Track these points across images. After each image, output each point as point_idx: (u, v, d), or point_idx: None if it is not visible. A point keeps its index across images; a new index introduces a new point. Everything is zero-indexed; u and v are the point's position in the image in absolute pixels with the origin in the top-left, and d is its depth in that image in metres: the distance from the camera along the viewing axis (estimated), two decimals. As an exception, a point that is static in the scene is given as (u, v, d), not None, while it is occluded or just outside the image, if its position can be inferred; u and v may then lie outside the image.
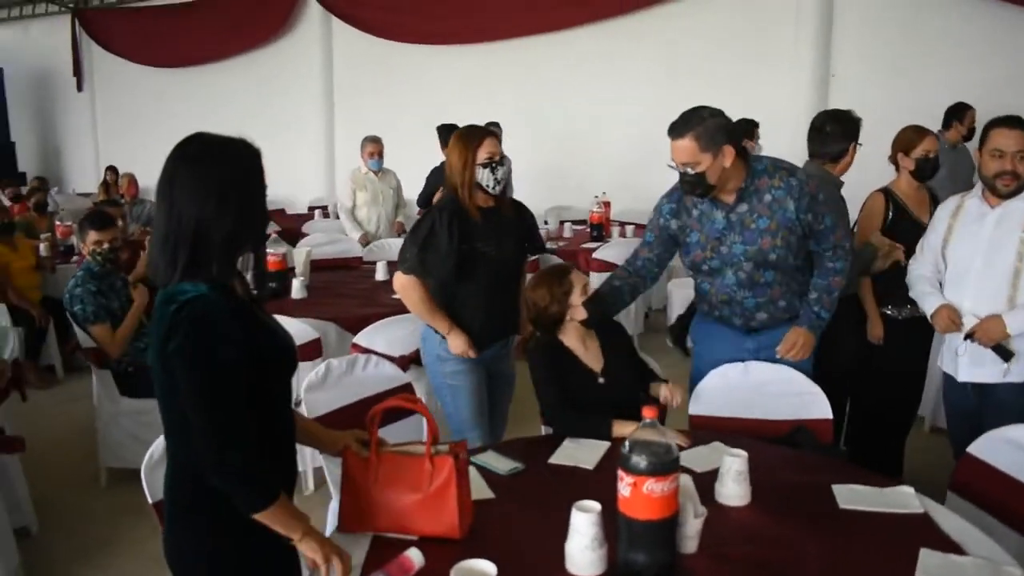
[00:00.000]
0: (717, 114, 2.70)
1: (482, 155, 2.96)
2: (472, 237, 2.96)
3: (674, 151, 2.72)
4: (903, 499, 2.11)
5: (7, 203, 8.44)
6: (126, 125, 11.99)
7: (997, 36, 6.53)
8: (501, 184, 3.02)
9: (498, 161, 2.99)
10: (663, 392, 2.70)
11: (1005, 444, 2.33)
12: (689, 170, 2.71)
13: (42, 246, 6.41)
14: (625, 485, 1.67)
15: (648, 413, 1.69)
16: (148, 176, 5.53)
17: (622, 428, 2.47)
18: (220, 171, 1.63)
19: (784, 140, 7.29)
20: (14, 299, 5.39)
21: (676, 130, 2.71)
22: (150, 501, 2.00)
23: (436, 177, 5.68)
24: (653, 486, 1.64)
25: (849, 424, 3.74)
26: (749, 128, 6.04)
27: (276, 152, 8.18)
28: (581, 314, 2.69)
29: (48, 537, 3.60)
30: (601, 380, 2.71)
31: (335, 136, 10.45)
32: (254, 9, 10.68)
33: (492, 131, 3.08)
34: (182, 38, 11.45)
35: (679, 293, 6.19)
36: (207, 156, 1.65)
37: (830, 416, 2.70)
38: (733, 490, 2.08)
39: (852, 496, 2.12)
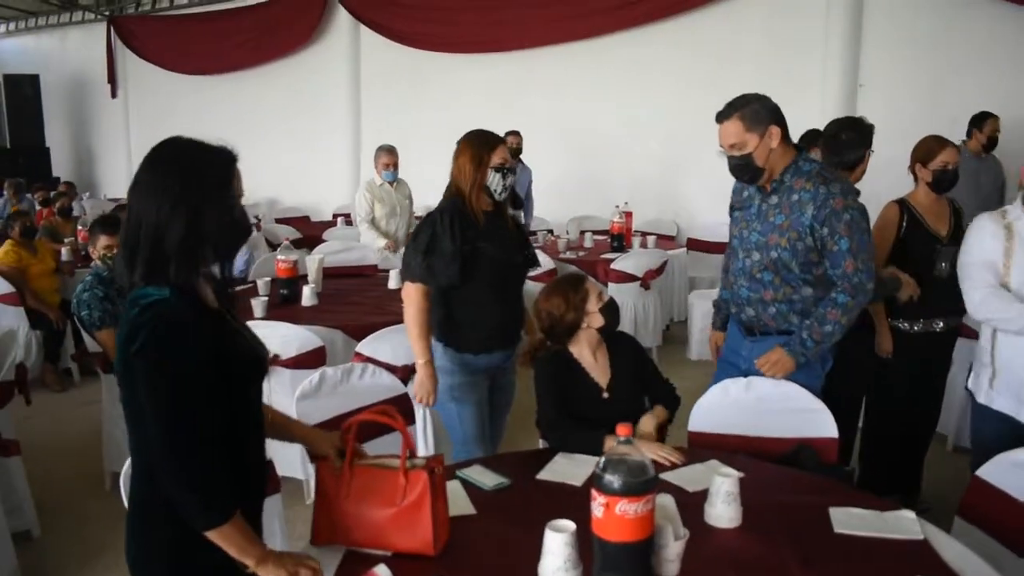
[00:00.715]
0: (763, 98, 2.75)
1: (496, 159, 2.95)
2: (475, 238, 2.92)
3: (721, 135, 2.76)
4: (903, 524, 2.01)
5: (37, 207, 8.58)
6: (158, 131, 11.77)
7: (1031, 45, 6.36)
8: (507, 192, 3.01)
9: (509, 168, 2.98)
10: (645, 420, 2.62)
11: (1015, 468, 2.23)
12: (736, 152, 2.73)
13: (64, 250, 6.47)
14: (598, 505, 1.61)
15: (622, 431, 1.62)
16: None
17: (613, 443, 2.40)
18: (177, 175, 1.60)
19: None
20: (32, 302, 5.45)
21: (722, 114, 2.75)
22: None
23: None
24: (626, 507, 1.57)
25: (863, 443, 3.63)
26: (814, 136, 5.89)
27: (303, 160, 8.35)
28: (598, 321, 2.65)
29: (49, 541, 3.60)
30: (606, 395, 2.66)
31: (362, 144, 10.47)
32: (284, 18, 10.76)
33: (504, 139, 3.08)
34: (213, 46, 11.58)
35: (700, 305, 6.11)
36: (167, 160, 1.63)
37: (835, 435, 2.60)
38: (722, 511, 2.00)
39: (849, 520, 2.02)
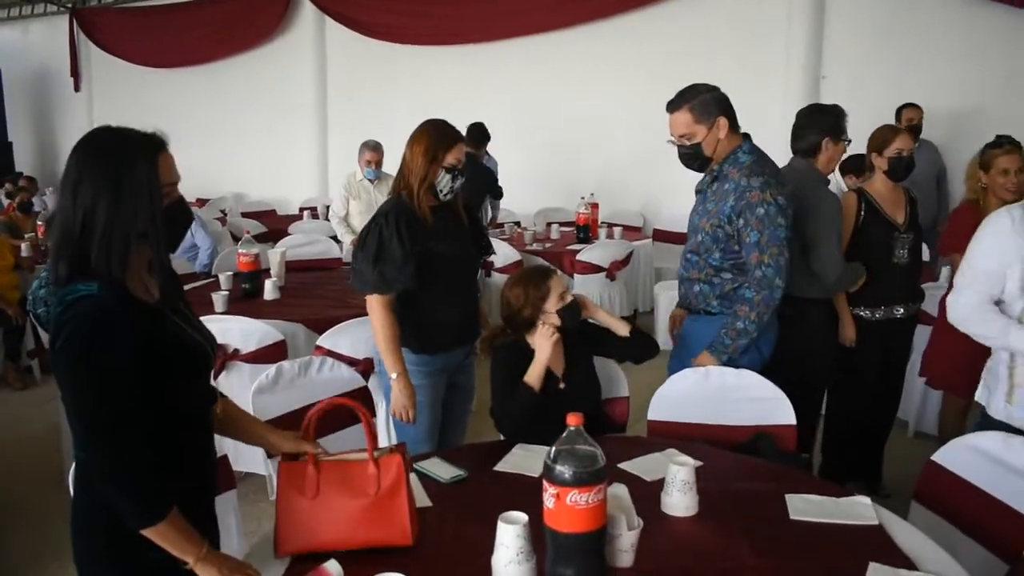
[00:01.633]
0: (712, 89, 2.85)
1: (450, 159, 2.80)
2: (424, 238, 2.78)
3: (671, 124, 2.87)
4: (857, 510, 2.02)
5: (4, 202, 8.42)
6: (123, 125, 11.95)
7: (990, 37, 6.44)
8: (452, 195, 2.87)
9: (460, 171, 2.85)
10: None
11: (969, 452, 2.24)
12: (686, 142, 2.84)
13: (23, 246, 6.36)
14: (549, 496, 1.59)
15: (572, 420, 1.61)
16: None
17: (532, 370, 2.52)
18: (94, 164, 1.56)
19: (775, 141, 7.11)
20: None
21: (672, 104, 2.86)
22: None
23: None
24: (577, 497, 1.56)
25: (825, 431, 3.65)
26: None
27: (270, 154, 8.27)
28: (554, 321, 2.61)
29: (8, 538, 3.54)
30: (562, 386, 2.64)
31: (328, 137, 10.39)
32: (249, 10, 10.62)
33: (462, 137, 2.93)
34: (178, 39, 11.39)
35: (666, 295, 6.11)
36: (85, 151, 1.58)
37: (793, 422, 2.61)
38: (679, 500, 1.99)
39: (804, 506, 2.03)
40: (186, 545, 1.60)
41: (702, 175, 3.00)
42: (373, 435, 1.84)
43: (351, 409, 2.82)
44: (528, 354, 2.62)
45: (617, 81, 8.00)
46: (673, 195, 7.68)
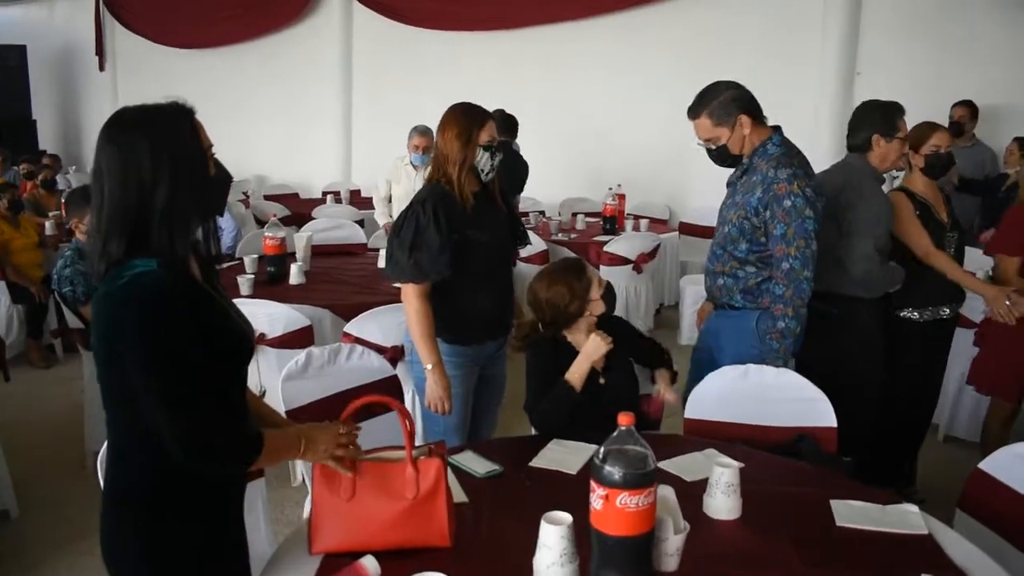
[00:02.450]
0: (732, 86, 2.84)
1: (484, 137, 2.75)
2: (463, 225, 2.72)
3: (695, 129, 2.90)
4: (906, 518, 1.96)
5: (22, 179, 8.43)
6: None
7: (1029, 33, 6.29)
8: (494, 172, 2.83)
9: (496, 147, 2.81)
10: (660, 386, 2.69)
11: (1017, 460, 2.18)
12: (711, 145, 2.88)
13: (48, 224, 6.35)
14: (597, 497, 1.54)
15: (624, 420, 1.55)
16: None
17: (575, 369, 2.48)
18: (142, 139, 1.50)
19: (806, 138, 7.06)
20: (13, 276, 5.34)
21: (692, 110, 2.88)
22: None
23: None
24: (627, 500, 1.51)
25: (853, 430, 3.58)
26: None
27: (293, 136, 8.23)
28: (600, 308, 2.60)
29: (28, 520, 3.52)
30: (601, 380, 2.58)
31: (352, 121, 10.34)
32: (276, -8, 10.60)
33: (492, 114, 2.89)
34: (204, 19, 11.37)
35: (691, 289, 6.05)
36: (127, 127, 1.53)
37: (834, 424, 2.54)
38: (722, 503, 1.94)
39: (851, 513, 1.97)
40: (288, 452, 1.68)
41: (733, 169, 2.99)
42: (411, 435, 1.78)
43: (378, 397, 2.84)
44: (565, 350, 2.58)
45: (646, 72, 7.89)
46: (700, 188, 7.62)
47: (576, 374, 2.46)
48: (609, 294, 2.62)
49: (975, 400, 4.28)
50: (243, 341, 1.68)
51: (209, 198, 1.62)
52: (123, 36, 12.68)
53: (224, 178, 1.66)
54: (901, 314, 3.33)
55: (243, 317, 1.72)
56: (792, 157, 2.80)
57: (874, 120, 3.23)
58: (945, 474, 3.81)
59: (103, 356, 1.53)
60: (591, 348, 2.47)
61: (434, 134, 2.93)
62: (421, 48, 9.49)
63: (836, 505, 2.00)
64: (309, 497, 1.87)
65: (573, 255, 5.95)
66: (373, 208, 7.93)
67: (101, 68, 13.05)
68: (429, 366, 2.76)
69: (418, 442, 3.49)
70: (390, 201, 6.05)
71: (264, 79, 10.94)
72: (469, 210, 2.75)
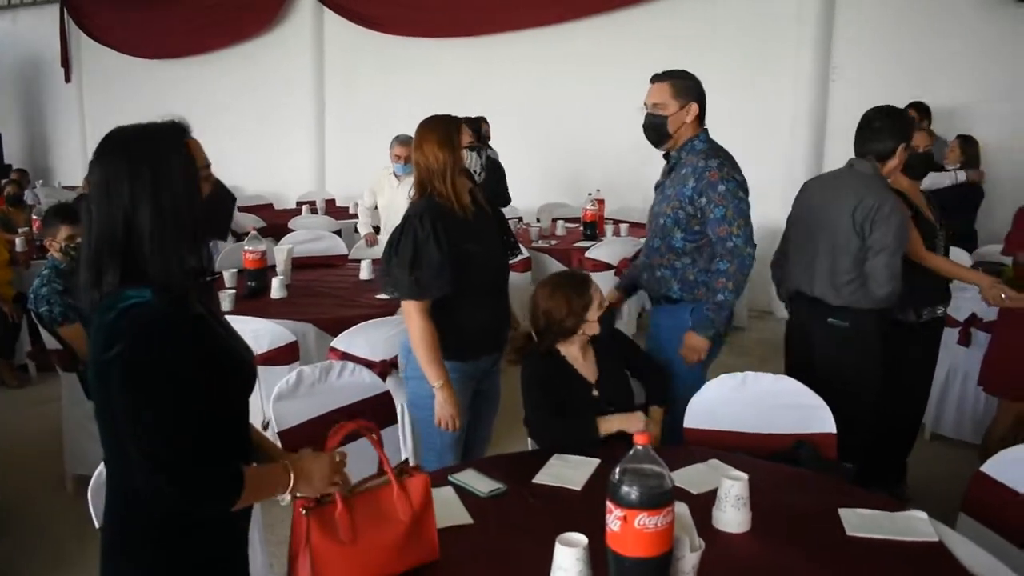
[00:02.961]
0: (697, 80, 3.01)
1: (465, 139, 2.71)
2: (461, 238, 2.64)
3: (649, 92, 3.00)
4: (915, 525, 1.95)
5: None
6: (114, 117, 11.34)
7: (1003, 35, 6.36)
8: (484, 171, 2.80)
9: (476, 147, 2.76)
10: (648, 423, 2.50)
11: (1017, 463, 2.18)
12: (657, 111, 2.97)
13: (18, 240, 6.21)
14: (614, 519, 1.50)
15: (641, 439, 1.52)
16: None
17: (608, 424, 2.42)
18: (132, 162, 1.45)
19: (783, 139, 7.15)
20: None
21: (658, 76, 3.01)
22: (97, 525, 1.83)
23: None
24: (646, 520, 1.47)
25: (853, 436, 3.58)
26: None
27: (267, 147, 8.07)
28: (594, 330, 2.57)
29: (9, 543, 3.42)
30: (595, 392, 2.58)
31: (326, 130, 10.25)
32: (246, 0, 10.48)
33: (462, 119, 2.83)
34: (172, 29, 11.22)
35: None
36: (117, 150, 1.47)
37: (834, 430, 2.53)
38: (732, 516, 1.91)
39: (860, 522, 1.95)
40: (273, 488, 1.58)
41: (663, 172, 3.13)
42: (386, 456, 1.73)
43: (370, 415, 2.78)
44: (558, 363, 2.58)
45: (622, 76, 7.85)
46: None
47: (605, 428, 2.42)
48: (607, 317, 2.61)
49: (959, 398, 4.32)
50: (242, 367, 1.62)
51: (201, 221, 1.54)
52: (89, 46, 12.49)
53: (223, 199, 1.61)
54: (899, 316, 3.32)
55: (243, 343, 1.67)
56: (718, 151, 2.98)
57: (903, 129, 3.14)
58: (934, 472, 3.84)
59: (99, 389, 1.47)
60: (627, 423, 2.43)
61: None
62: (394, 55, 9.44)
63: (845, 514, 1.98)
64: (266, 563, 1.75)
65: (559, 264, 5.93)
66: (349, 218, 7.91)
67: (67, 79, 12.84)
68: (439, 384, 2.65)
69: (413, 452, 3.47)
70: (375, 209, 5.95)
71: (235, 89, 10.82)
72: (470, 217, 2.69)
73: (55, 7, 12.61)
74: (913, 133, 3.21)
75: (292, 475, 1.58)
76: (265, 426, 1.92)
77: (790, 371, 3.20)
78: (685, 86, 2.95)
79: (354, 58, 9.87)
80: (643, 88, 3.06)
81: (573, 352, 2.61)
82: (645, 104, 3.01)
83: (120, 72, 12.03)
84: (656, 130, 2.99)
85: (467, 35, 8.86)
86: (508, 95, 8.41)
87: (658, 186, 3.15)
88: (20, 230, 6.66)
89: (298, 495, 1.60)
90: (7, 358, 5.54)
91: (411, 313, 2.65)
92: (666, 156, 3.11)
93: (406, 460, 1.80)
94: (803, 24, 6.91)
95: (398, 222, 2.72)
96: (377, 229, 5.99)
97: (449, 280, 2.62)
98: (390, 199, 5.58)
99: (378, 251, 5.57)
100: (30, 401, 5.23)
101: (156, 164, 1.46)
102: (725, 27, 7.36)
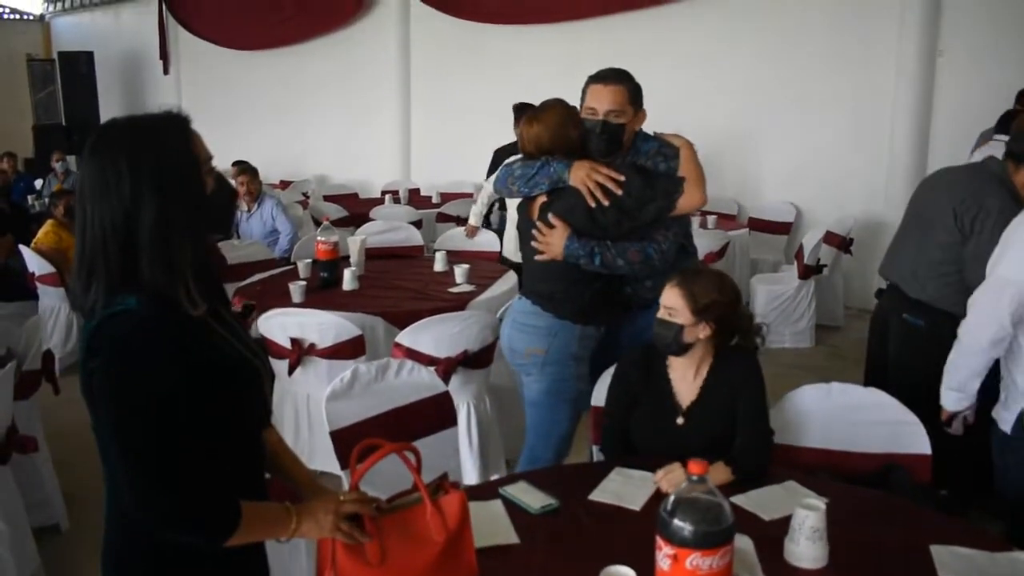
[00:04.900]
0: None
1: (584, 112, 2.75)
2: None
3: (599, 96, 2.72)
4: (1020, 569, 1.71)
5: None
6: (210, 107, 12.01)
7: None
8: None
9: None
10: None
11: None
12: (614, 119, 2.70)
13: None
14: (664, 556, 1.34)
15: (695, 469, 1.34)
16: (226, 160, 5.37)
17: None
18: (126, 158, 1.33)
19: (884, 124, 6.74)
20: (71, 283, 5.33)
21: (610, 77, 2.76)
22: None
23: (500, 158, 5.24)
24: (699, 561, 1.31)
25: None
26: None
27: (353, 136, 8.03)
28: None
29: (78, 533, 3.43)
30: (680, 420, 2.24)
31: (411, 119, 10.24)
32: (334, -10, 10.57)
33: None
34: (263, 22, 11.40)
35: (763, 289, 5.78)
36: (109, 146, 1.36)
37: (929, 451, 2.28)
38: (806, 550, 1.71)
39: (955, 563, 1.72)
40: (274, 528, 1.45)
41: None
42: (419, 471, 1.58)
43: (427, 416, 2.67)
44: (658, 371, 2.28)
45: (715, 60, 7.57)
46: (771, 182, 7.31)
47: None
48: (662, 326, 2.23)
49: None
50: (246, 373, 1.48)
51: (204, 218, 1.44)
52: (186, 39, 12.85)
53: (225, 195, 1.48)
54: None
55: (251, 347, 1.53)
56: (670, 148, 2.84)
57: None
58: None
59: (88, 403, 1.36)
60: (665, 479, 2.04)
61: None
62: (482, 43, 9.33)
63: (937, 552, 1.75)
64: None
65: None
66: (431, 207, 7.85)
67: (165, 71, 13.25)
68: None
69: (479, 455, 3.35)
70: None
71: (324, 79, 10.92)
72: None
73: (154, 3, 13.01)
74: None
75: (294, 517, 1.45)
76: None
77: (868, 371, 2.98)
78: (637, 90, 2.79)
79: (440, 48, 9.81)
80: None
81: (678, 364, 2.26)
82: (591, 108, 2.73)
83: (214, 64, 12.33)
84: (612, 139, 2.73)
85: (552, 22, 8.67)
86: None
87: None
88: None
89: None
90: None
91: (693, 194, 2.74)
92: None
93: (444, 475, 1.66)
94: (907, 8, 6.46)
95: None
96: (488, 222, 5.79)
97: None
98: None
99: (471, 243, 5.48)
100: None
101: (159, 159, 1.35)
102: (823, 4, 6.95)
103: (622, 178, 2.59)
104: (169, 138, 1.38)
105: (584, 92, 2.81)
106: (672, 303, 2.16)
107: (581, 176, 2.61)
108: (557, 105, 2.80)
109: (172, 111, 1.42)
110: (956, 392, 2.47)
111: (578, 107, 2.81)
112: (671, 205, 2.69)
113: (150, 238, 1.32)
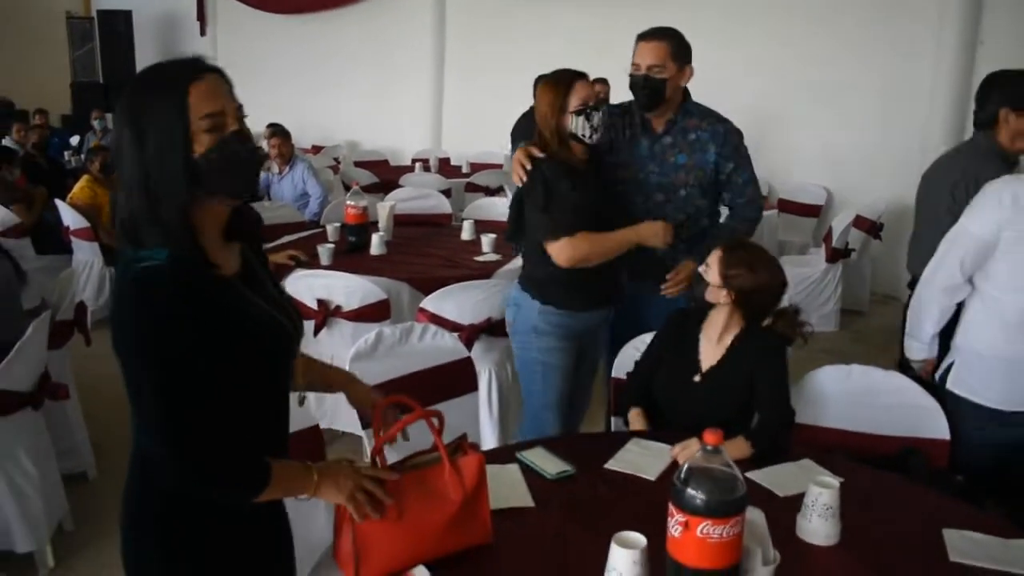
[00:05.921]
0: (687, 40, 2.88)
1: (574, 101, 2.62)
2: (568, 188, 2.64)
3: (643, 52, 2.81)
4: (1033, 555, 1.71)
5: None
6: (245, 70, 11.98)
7: None
8: (599, 132, 2.67)
9: (593, 106, 2.64)
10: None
11: None
12: (655, 73, 2.76)
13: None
14: (675, 523, 1.36)
15: (711, 439, 1.36)
16: (260, 123, 5.39)
17: (635, 422, 2.31)
18: (138, 108, 1.33)
19: (921, 111, 6.63)
20: (106, 239, 5.40)
21: (651, 34, 2.83)
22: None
23: (521, 124, 5.20)
24: (710, 529, 1.32)
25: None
26: None
27: (385, 102, 8.01)
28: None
29: (105, 481, 3.52)
30: (697, 378, 2.29)
31: (445, 89, 10.22)
32: (371, -44, 10.52)
33: (584, 74, 2.72)
34: (300, -16, 11.42)
35: (792, 271, 5.66)
36: (120, 98, 1.35)
37: (947, 437, 2.28)
38: (818, 527, 1.72)
39: (967, 547, 1.72)
40: (296, 485, 1.46)
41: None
42: (440, 433, 1.59)
43: (449, 380, 2.71)
44: (691, 329, 2.35)
45: (744, 42, 7.46)
46: (801, 163, 7.23)
47: (634, 423, 2.34)
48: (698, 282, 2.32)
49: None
50: (273, 335, 1.47)
51: (196, 180, 1.33)
52: (223, 2, 12.85)
53: (238, 151, 1.36)
54: None
55: (284, 307, 1.53)
56: (715, 112, 2.93)
57: (1004, 91, 2.84)
58: None
59: (119, 358, 1.36)
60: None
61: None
62: (516, 11, 9.26)
63: (950, 536, 1.76)
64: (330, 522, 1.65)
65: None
66: (461, 176, 7.85)
67: (202, 33, 13.26)
68: (637, 236, 2.69)
69: (499, 421, 3.38)
70: None
71: (358, 45, 10.90)
72: (581, 174, 2.70)
73: (194, -37, 13.03)
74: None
75: (315, 476, 1.47)
76: (301, 402, 1.82)
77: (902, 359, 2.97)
78: (683, 47, 2.83)
79: (474, 16, 9.76)
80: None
81: (713, 323, 2.31)
82: (636, 64, 2.81)
83: (251, 27, 12.31)
84: (654, 93, 2.79)
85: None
86: (627, 54, 8.11)
87: (642, 156, 2.89)
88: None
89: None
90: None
91: (565, 249, 2.63)
92: (643, 122, 2.91)
93: (463, 436, 1.68)
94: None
95: None
96: None
97: (585, 219, 2.63)
98: None
99: (499, 213, 5.45)
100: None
101: (139, 116, 1.32)
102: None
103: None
104: (161, 90, 1.33)
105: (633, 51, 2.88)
106: (711, 261, 2.25)
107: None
108: (544, 84, 2.73)
109: (183, 59, 1.38)
110: (913, 340, 2.56)
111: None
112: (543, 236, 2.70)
113: (141, 197, 1.32)
